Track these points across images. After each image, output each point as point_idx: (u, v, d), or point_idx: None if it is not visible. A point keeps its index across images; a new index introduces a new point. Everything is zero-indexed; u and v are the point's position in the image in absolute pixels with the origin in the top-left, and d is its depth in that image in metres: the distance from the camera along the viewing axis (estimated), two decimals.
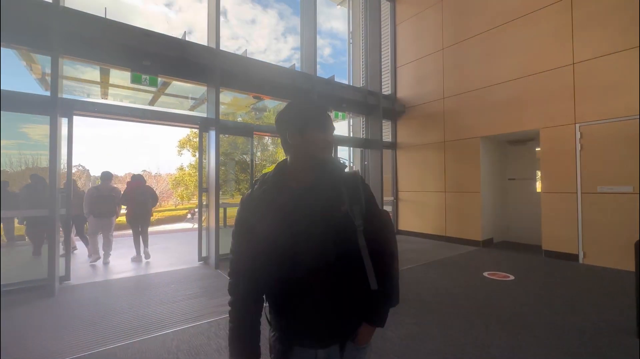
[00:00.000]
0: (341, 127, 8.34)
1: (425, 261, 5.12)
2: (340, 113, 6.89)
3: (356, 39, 9.07)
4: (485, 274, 4.34)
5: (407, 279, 4.14)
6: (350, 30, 9.44)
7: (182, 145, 26.80)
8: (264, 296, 1.02)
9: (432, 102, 7.14)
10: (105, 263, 5.25)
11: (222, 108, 8.59)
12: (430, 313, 3.05)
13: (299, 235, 0.93)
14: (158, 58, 4.52)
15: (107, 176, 5.49)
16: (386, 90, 8.05)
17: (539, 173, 6.49)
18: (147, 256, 5.54)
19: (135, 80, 4.38)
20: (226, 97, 7.52)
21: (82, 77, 5.63)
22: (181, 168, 29.65)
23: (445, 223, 6.82)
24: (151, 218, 5.83)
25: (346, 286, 0.95)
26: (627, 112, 4.46)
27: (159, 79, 5.24)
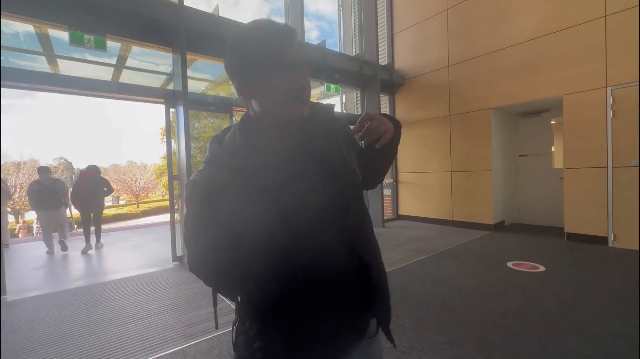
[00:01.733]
0: (334, 102, 7.52)
1: (436, 250, 4.48)
2: (333, 86, 6.06)
3: (347, 4, 8.11)
4: (510, 265, 3.72)
5: (419, 275, 3.49)
6: None
7: (165, 132, 25.49)
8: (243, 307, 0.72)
9: (435, 72, 6.36)
10: (64, 249, 5.34)
11: (203, 85, 7.63)
12: (462, 324, 2.39)
13: (301, 215, 0.64)
14: (105, 12, 3.58)
15: (44, 170, 5.38)
16: (382, 60, 7.20)
17: (553, 148, 5.88)
18: (99, 247, 5.63)
19: (75, 40, 3.44)
20: (215, 71, 6.51)
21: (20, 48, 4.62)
22: (165, 157, 28.40)
23: (452, 206, 6.19)
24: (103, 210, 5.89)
25: (365, 263, 0.70)
26: None
27: (117, 44, 4.32)
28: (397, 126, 0.80)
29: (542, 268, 3.54)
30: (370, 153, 0.79)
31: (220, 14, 4.45)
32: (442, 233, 5.63)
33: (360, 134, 0.70)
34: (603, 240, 4.36)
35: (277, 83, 0.65)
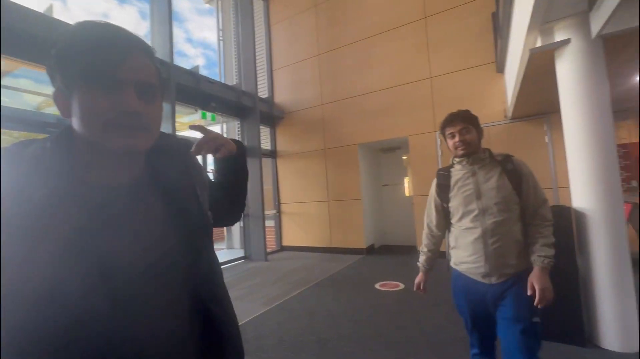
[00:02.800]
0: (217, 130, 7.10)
1: (315, 280, 4.53)
2: (209, 114, 5.73)
3: (227, 36, 8.09)
4: (377, 286, 4.05)
5: (298, 310, 3.39)
6: (220, 27, 8.40)
7: None
8: None
9: (311, 108, 6.86)
10: None
11: (41, 99, 6.03)
12: (334, 358, 2.36)
13: (128, 268, 0.52)
14: None
15: None
16: (263, 93, 7.35)
17: (406, 179, 7.03)
18: None
19: None
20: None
21: None
22: None
23: (330, 234, 6.53)
24: None
25: (216, 318, 0.63)
26: (484, 119, 5.12)
27: None
28: (239, 144, 0.84)
29: (401, 286, 3.98)
30: (221, 179, 0.83)
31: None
32: (322, 261, 5.80)
33: (195, 147, 0.72)
34: (443, 254, 5.30)
35: (98, 103, 0.51)
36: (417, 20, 5.69)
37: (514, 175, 1.38)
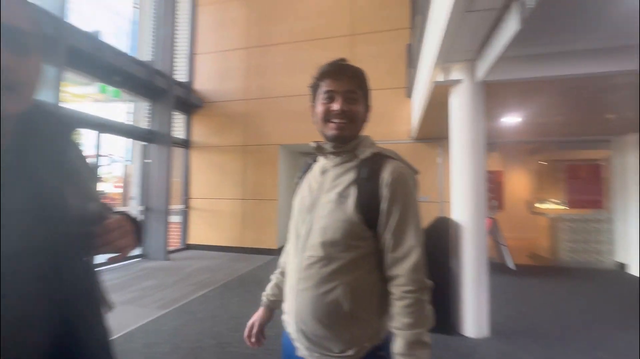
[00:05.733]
0: (116, 109, 6.16)
1: (222, 281, 4.32)
2: (111, 89, 4.95)
3: (145, 5, 7.16)
4: None
5: (199, 312, 3.18)
6: None
7: None
8: None
9: (234, 102, 6.58)
10: None
11: None
12: None
13: None
14: None
15: None
16: (181, 77, 6.72)
17: None
18: None
19: None
20: None
21: None
22: None
23: (243, 233, 6.34)
24: None
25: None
26: (391, 137, 5.67)
27: None
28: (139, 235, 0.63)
29: None
30: None
31: None
32: (231, 261, 5.58)
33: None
34: None
35: None
36: (344, 36, 6.04)
37: (369, 191, 0.78)
